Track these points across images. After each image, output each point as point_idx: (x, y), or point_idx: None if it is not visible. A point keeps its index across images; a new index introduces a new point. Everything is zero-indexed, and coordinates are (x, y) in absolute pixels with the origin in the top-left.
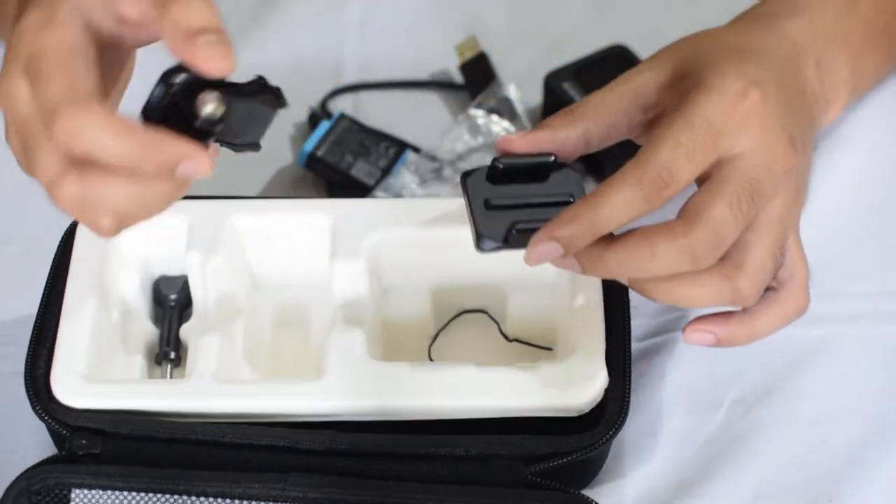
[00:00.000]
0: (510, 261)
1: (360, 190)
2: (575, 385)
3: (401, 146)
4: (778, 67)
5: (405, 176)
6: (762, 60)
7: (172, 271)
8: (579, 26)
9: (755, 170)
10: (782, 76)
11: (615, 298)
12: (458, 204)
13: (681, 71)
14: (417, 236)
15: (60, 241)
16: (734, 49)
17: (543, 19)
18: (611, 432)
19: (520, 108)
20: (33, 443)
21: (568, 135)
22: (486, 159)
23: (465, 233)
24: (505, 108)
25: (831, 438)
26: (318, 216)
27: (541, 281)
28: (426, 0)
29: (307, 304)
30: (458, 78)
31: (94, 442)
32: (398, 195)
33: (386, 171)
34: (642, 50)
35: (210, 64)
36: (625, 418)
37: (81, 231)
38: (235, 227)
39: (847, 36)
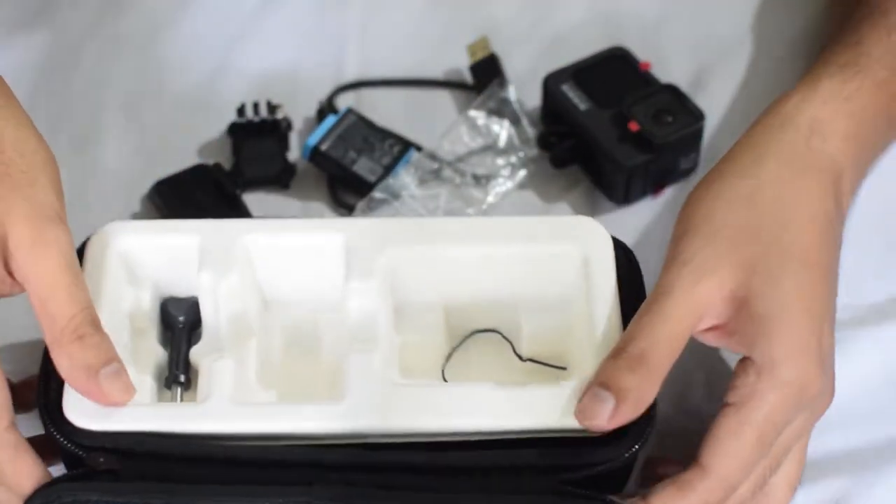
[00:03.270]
0: (524, 280)
1: (361, 186)
2: None
3: (405, 144)
4: (829, 270)
5: (404, 177)
6: (821, 270)
7: (180, 292)
8: (579, 27)
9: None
10: (832, 282)
11: (633, 314)
12: (471, 222)
13: (743, 293)
14: (431, 255)
15: None
16: (793, 270)
17: (543, 20)
18: (637, 444)
19: (518, 109)
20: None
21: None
22: (486, 160)
23: (478, 251)
24: (505, 110)
25: (834, 440)
26: (332, 235)
27: (554, 300)
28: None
29: (320, 324)
30: (468, 78)
31: (111, 460)
32: (397, 195)
33: (389, 169)
34: (642, 51)
35: (116, 396)
36: (652, 430)
37: (89, 253)
38: (247, 246)
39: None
